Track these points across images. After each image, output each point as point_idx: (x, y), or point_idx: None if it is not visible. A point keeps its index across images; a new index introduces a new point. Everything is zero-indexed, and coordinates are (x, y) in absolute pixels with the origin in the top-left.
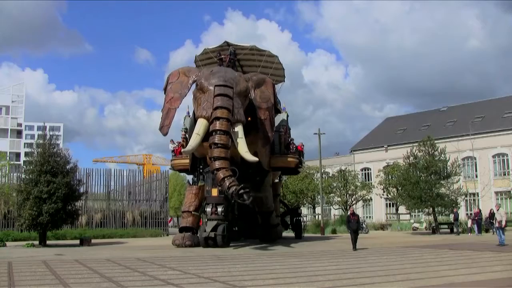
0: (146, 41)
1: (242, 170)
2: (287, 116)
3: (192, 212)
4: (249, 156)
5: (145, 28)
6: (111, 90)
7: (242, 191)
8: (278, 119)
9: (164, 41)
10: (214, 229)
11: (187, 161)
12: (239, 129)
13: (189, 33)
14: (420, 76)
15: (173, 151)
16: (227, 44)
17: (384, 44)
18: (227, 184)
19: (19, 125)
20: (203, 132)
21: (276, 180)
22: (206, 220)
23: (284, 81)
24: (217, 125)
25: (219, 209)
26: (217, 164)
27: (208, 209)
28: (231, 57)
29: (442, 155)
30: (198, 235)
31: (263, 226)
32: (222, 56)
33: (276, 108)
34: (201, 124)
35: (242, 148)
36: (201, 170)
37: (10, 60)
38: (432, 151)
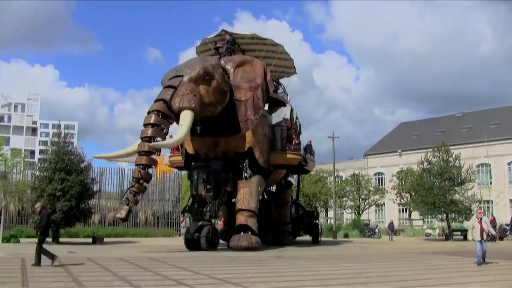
0: (156, 40)
1: (234, 166)
2: (292, 110)
3: None
4: (168, 141)
5: (155, 28)
6: (121, 89)
7: (123, 209)
8: (281, 112)
9: (173, 41)
10: (198, 230)
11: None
12: (182, 115)
13: (198, 33)
14: (432, 81)
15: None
16: (225, 32)
17: (395, 48)
18: (131, 185)
19: (34, 122)
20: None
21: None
22: (191, 220)
23: (295, 73)
24: (146, 119)
25: (205, 209)
26: (137, 160)
27: (194, 209)
28: (227, 46)
29: (456, 161)
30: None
31: (275, 232)
32: (218, 45)
33: (278, 101)
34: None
35: (176, 135)
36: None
37: (20, 57)
38: (447, 157)
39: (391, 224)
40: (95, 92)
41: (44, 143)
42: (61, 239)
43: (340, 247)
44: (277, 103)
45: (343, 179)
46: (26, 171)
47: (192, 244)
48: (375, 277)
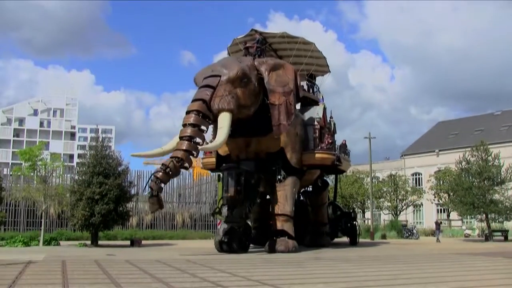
0: (190, 43)
1: (266, 167)
2: (325, 108)
3: None
4: (210, 144)
5: (188, 30)
6: (156, 92)
7: (149, 194)
8: (313, 111)
9: (207, 43)
10: (228, 233)
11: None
12: (221, 117)
13: (232, 35)
14: (470, 79)
15: None
16: (255, 32)
17: (431, 45)
18: (156, 171)
19: (73, 127)
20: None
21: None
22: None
23: (329, 71)
24: (185, 119)
25: (236, 211)
26: (173, 153)
27: (224, 210)
28: (257, 45)
29: (496, 160)
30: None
31: (312, 232)
32: (248, 45)
33: (311, 100)
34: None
35: (217, 138)
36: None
37: (56, 63)
38: (486, 156)
39: (437, 224)
40: (131, 95)
41: (82, 147)
42: (99, 242)
43: (377, 248)
44: (310, 102)
45: (380, 179)
46: (65, 175)
47: (223, 246)
48: (414, 279)
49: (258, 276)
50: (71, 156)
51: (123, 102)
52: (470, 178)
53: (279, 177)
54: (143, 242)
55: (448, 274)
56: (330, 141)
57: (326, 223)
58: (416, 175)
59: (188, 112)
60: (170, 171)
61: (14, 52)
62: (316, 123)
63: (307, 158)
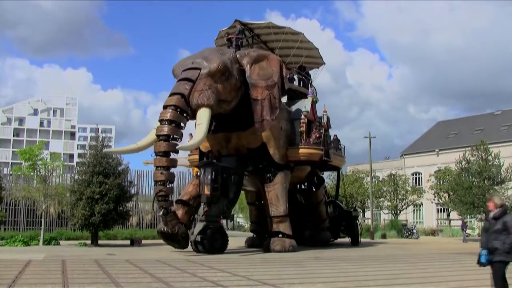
0: (187, 42)
1: (251, 164)
2: (314, 101)
3: (182, 203)
4: (188, 143)
5: (185, 29)
6: (153, 91)
7: (163, 212)
8: (301, 104)
9: (204, 42)
10: (202, 232)
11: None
12: (200, 113)
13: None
14: (468, 78)
15: None
16: (239, 22)
17: (429, 44)
18: (156, 191)
19: (73, 127)
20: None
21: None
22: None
23: (323, 63)
24: (162, 114)
25: (212, 209)
26: (156, 161)
27: (200, 209)
28: (239, 36)
29: (496, 160)
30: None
31: (314, 229)
32: (230, 36)
33: (300, 92)
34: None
35: (196, 136)
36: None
37: (53, 62)
38: (486, 156)
39: (464, 225)
40: (129, 95)
41: (82, 147)
42: (99, 242)
43: (377, 248)
44: (298, 95)
45: (380, 179)
46: (65, 174)
47: (198, 246)
48: (414, 278)
49: (258, 276)
50: (71, 156)
51: (121, 101)
52: (470, 177)
53: (268, 175)
54: (143, 241)
55: (448, 274)
56: (317, 135)
57: (325, 218)
58: (416, 174)
59: (165, 107)
60: (169, 182)
61: (11, 51)
62: (303, 116)
63: (293, 154)
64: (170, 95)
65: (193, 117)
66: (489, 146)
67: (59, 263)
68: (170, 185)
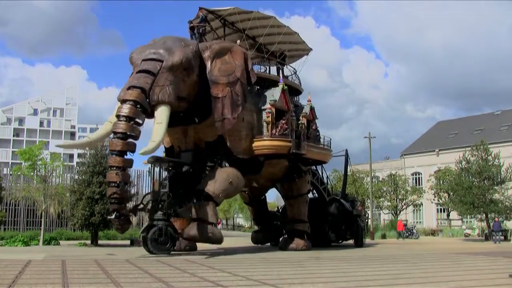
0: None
1: (208, 157)
2: (284, 88)
3: None
4: (151, 146)
5: (178, 28)
6: None
7: (116, 215)
8: (269, 93)
9: None
10: (145, 231)
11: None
12: (160, 111)
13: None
14: (465, 76)
15: None
16: (204, 10)
17: (425, 42)
18: (109, 193)
19: (73, 127)
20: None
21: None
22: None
23: (309, 49)
24: (120, 109)
25: (161, 207)
26: (111, 160)
27: (149, 206)
28: (200, 24)
29: (496, 160)
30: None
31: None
32: (193, 25)
33: (271, 80)
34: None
35: (155, 136)
36: None
37: (48, 61)
38: (486, 156)
39: (496, 224)
40: None
41: None
42: (99, 241)
43: (378, 248)
44: (271, 83)
45: (380, 179)
46: (65, 174)
47: (145, 246)
48: (414, 278)
49: (258, 276)
50: (71, 156)
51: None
52: (470, 177)
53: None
54: None
55: (448, 274)
56: (285, 126)
57: (303, 220)
58: (416, 174)
59: (124, 101)
60: (124, 183)
61: (3, 49)
62: (268, 106)
63: (257, 146)
64: (129, 88)
65: (152, 114)
66: (489, 146)
67: (59, 263)
68: (125, 186)
